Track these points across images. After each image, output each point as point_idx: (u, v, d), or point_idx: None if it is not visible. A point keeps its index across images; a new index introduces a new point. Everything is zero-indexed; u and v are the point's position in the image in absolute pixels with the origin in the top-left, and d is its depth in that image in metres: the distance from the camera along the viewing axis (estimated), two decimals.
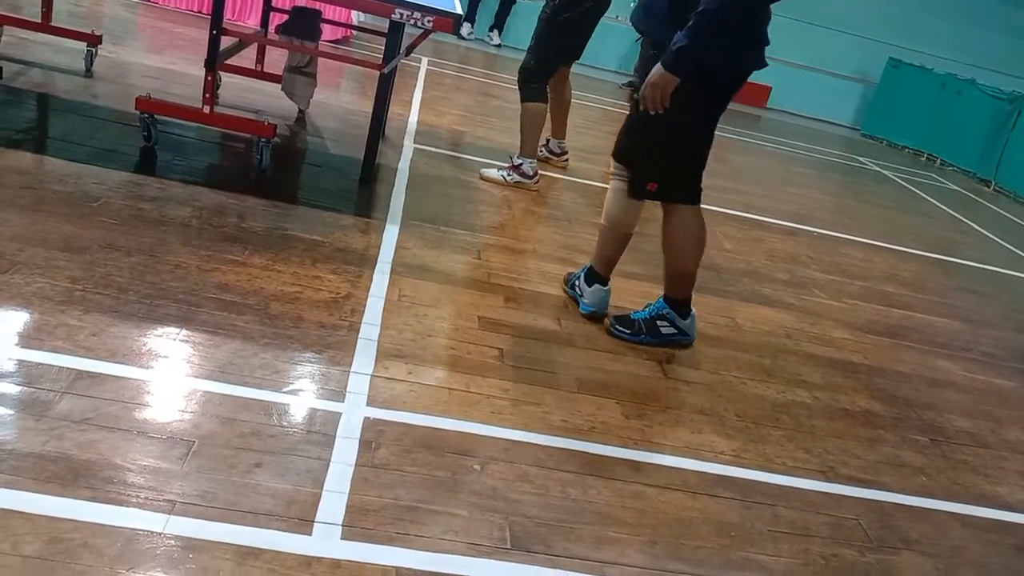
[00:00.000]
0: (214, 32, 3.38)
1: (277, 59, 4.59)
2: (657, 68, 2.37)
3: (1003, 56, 10.50)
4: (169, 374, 1.98)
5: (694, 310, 2.79)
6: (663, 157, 2.60)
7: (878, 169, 8.01)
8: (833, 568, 1.87)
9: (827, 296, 3.71)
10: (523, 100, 4.17)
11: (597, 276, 2.85)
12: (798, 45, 10.44)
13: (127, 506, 1.54)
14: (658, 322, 2.73)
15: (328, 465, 1.79)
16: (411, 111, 5.33)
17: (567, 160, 4.76)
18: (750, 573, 1.78)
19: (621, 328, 2.75)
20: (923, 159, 9.44)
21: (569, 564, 1.68)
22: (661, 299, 2.77)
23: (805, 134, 9.26)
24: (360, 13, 6.82)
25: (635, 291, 3.19)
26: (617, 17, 6.62)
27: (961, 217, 6.50)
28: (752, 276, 3.73)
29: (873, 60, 10.51)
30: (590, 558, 1.71)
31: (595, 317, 2.82)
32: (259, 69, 4.55)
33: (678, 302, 2.75)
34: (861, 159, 8.41)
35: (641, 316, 2.76)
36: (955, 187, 7.96)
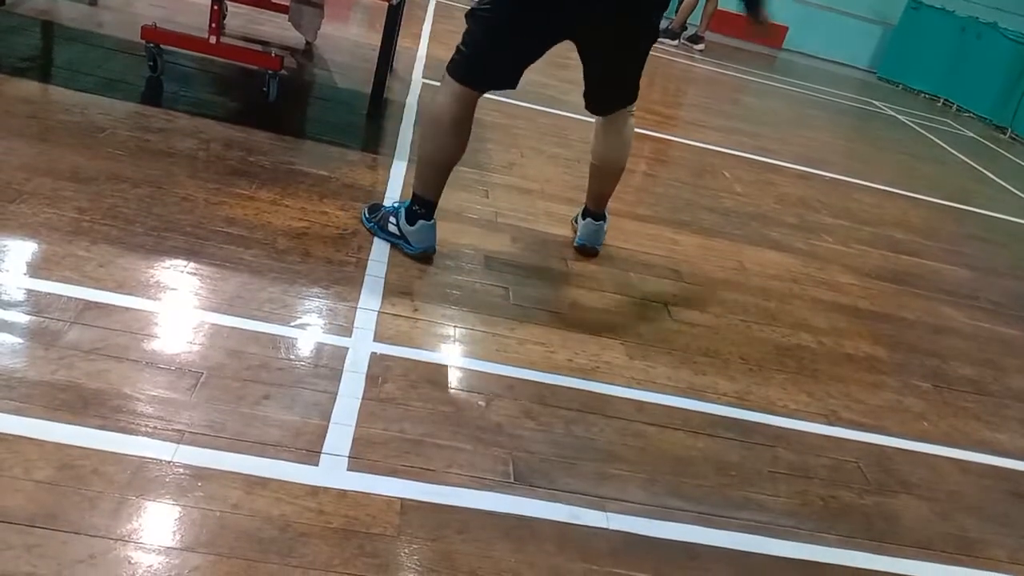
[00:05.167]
0: None
1: None
2: None
3: None
4: (177, 306, 1.99)
5: (431, 223, 2.50)
6: (466, 26, 2.44)
7: (893, 114, 7.89)
8: (831, 509, 1.90)
9: (835, 241, 3.69)
10: None
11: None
12: None
13: (136, 435, 1.57)
14: (390, 218, 2.54)
15: (335, 398, 1.81)
16: (420, 44, 5.25)
17: None
18: (749, 512, 1.81)
19: (367, 211, 2.63)
20: (939, 104, 9.29)
21: (571, 499, 1.71)
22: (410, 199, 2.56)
23: (820, 76, 9.10)
24: None
25: (643, 233, 3.18)
26: None
27: (975, 164, 6.42)
28: (761, 220, 3.71)
29: (893, 0, 10.25)
30: (591, 493, 1.74)
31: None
32: None
33: (417, 199, 2.50)
34: (876, 103, 8.28)
35: (387, 208, 2.61)
36: (971, 134, 7.85)
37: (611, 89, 2.65)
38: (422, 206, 2.51)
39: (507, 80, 2.48)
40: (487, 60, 2.43)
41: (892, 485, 2.04)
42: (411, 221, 2.50)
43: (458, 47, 2.43)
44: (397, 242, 2.53)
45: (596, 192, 2.84)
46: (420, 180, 2.53)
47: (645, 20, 2.49)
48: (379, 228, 2.57)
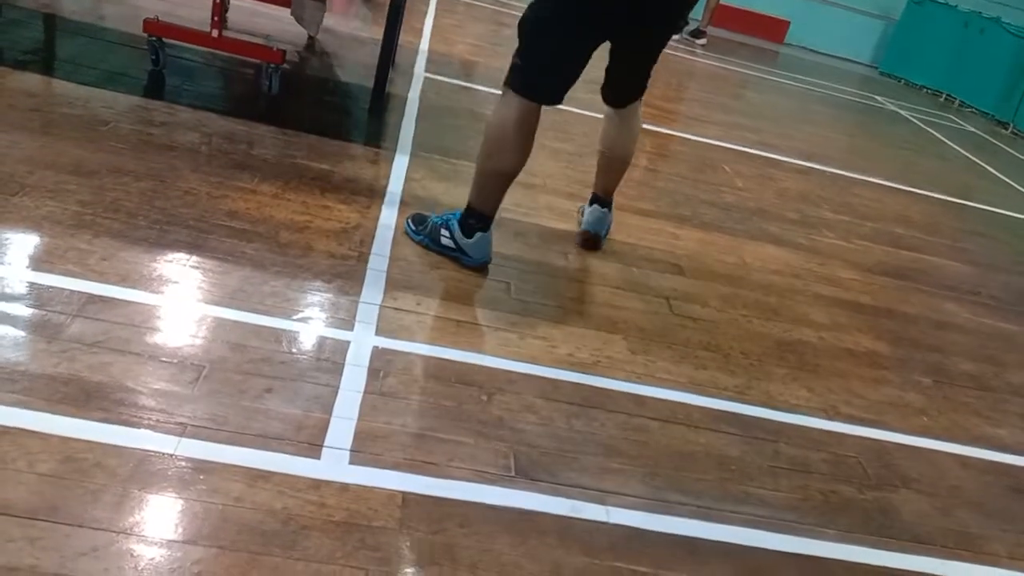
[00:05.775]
0: None
1: None
2: None
3: None
4: (179, 299, 1.99)
5: (488, 234, 2.48)
6: (520, 37, 2.42)
7: (895, 109, 7.88)
8: (831, 504, 1.90)
9: (836, 236, 3.69)
10: None
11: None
12: None
13: (139, 428, 1.57)
14: (442, 230, 2.51)
15: (337, 392, 1.81)
16: (422, 39, 5.24)
17: None
18: (749, 507, 1.82)
19: (412, 223, 2.61)
20: (941, 99, 9.27)
21: (572, 492, 1.71)
22: (462, 210, 2.52)
23: (822, 71, 9.08)
24: None
25: (644, 228, 3.18)
26: None
27: (977, 160, 6.41)
28: (761, 215, 3.70)
29: None
30: (592, 487, 1.74)
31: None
32: None
33: (473, 212, 2.48)
34: (878, 98, 8.27)
35: (436, 220, 2.55)
36: (972, 129, 7.84)
37: (630, 83, 2.69)
38: (478, 219, 2.48)
39: (560, 84, 2.44)
40: (540, 66, 2.41)
41: (892, 480, 2.05)
42: (468, 234, 2.47)
43: (513, 58, 2.43)
44: (453, 254, 2.51)
45: (603, 182, 2.87)
46: (478, 192, 2.50)
47: (674, 20, 2.53)
48: (431, 241, 2.53)
